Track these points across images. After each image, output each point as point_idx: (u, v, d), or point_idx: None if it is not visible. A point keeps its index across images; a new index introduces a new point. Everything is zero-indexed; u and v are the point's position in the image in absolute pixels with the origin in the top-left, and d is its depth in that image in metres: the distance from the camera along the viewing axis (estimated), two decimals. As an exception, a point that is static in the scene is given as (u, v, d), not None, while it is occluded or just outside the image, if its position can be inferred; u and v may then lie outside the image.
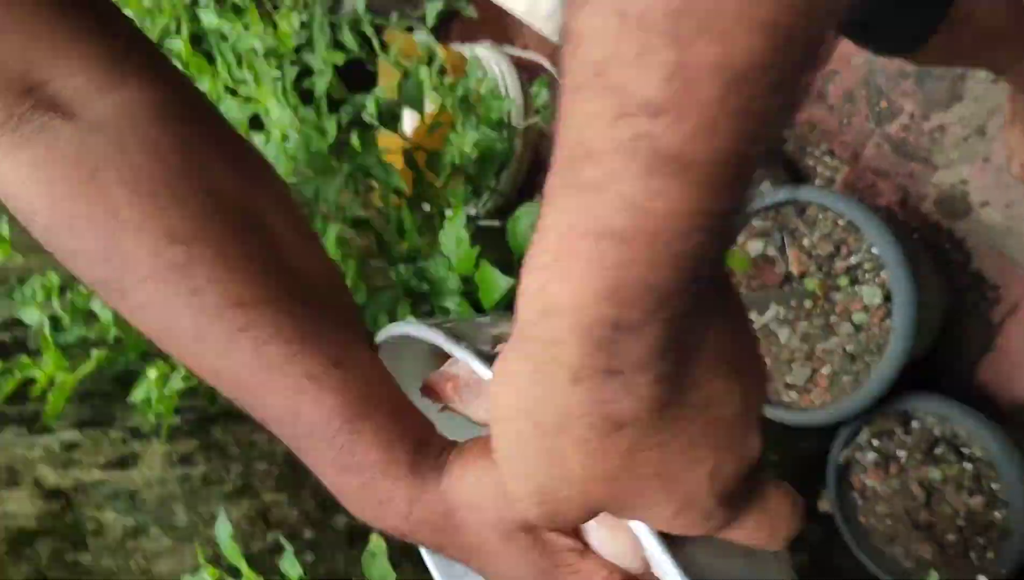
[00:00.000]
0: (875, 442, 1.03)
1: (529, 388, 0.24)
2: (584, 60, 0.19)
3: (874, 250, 0.96)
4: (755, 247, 1.06)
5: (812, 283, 1.00)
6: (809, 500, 1.20)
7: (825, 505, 1.21)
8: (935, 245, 1.11)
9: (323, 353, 0.33)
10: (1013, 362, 1.06)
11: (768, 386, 0.28)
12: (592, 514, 0.27)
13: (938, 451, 0.98)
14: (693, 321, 0.23)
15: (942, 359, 1.11)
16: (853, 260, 0.98)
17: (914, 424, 1.00)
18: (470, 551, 0.31)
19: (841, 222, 1.00)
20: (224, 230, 0.33)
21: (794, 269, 1.03)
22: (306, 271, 0.35)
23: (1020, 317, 1.05)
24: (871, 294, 0.95)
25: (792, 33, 0.17)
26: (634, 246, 0.20)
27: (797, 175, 1.23)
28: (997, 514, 0.95)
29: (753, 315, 1.08)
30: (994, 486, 0.95)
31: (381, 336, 0.36)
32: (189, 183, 0.34)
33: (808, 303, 1.02)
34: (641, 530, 0.28)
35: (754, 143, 0.19)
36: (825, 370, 1.01)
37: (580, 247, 0.20)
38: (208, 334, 0.32)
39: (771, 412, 1.02)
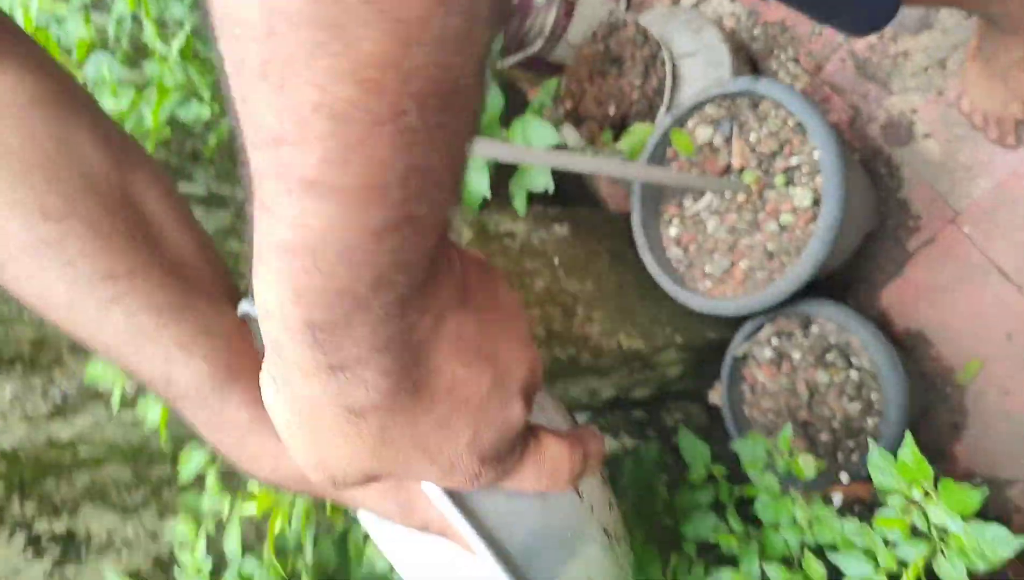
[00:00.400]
0: (774, 340, 1.08)
1: (280, 385, 0.27)
2: (233, 95, 0.21)
3: (815, 155, 0.98)
4: (703, 134, 1.06)
5: (750, 177, 1.02)
6: (703, 388, 1.26)
7: (716, 397, 1.27)
8: (872, 168, 1.14)
9: (192, 322, 0.35)
10: (917, 291, 1.11)
11: (533, 364, 0.31)
12: (371, 479, 0.30)
13: (829, 357, 1.03)
14: (411, 318, 0.25)
15: (853, 277, 1.15)
16: (793, 161, 0.99)
17: (813, 329, 1.05)
18: (338, 496, 0.35)
19: (791, 122, 1.00)
20: (96, 207, 0.35)
21: (736, 162, 1.04)
22: (177, 245, 0.38)
23: (933, 250, 1.10)
24: (802, 196, 0.98)
25: (384, 84, 0.19)
26: (307, 258, 0.22)
27: (758, 75, 1.23)
28: (870, 421, 1.01)
29: (687, 202, 1.10)
30: (873, 396, 1.01)
31: (240, 310, 0.39)
32: (62, 164, 0.35)
33: (741, 197, 1.03)
34: (426, 484, 0.31)
35: (391, 170, 0.21)
36: (743, 264, 1.04)
37: (270, 258, 0.23)
38: (82, 304, 0.35)
39: (684, 297, 1.05)
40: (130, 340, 0.35)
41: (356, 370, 0.25)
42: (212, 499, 0.63)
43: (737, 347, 1.10)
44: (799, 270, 0.96)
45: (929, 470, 0.44)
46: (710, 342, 1.16)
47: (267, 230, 0.22)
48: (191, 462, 0.66)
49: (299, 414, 0.27)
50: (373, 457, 0.28)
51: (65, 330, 0.36)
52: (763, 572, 0.53)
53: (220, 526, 0.74)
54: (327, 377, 0.25)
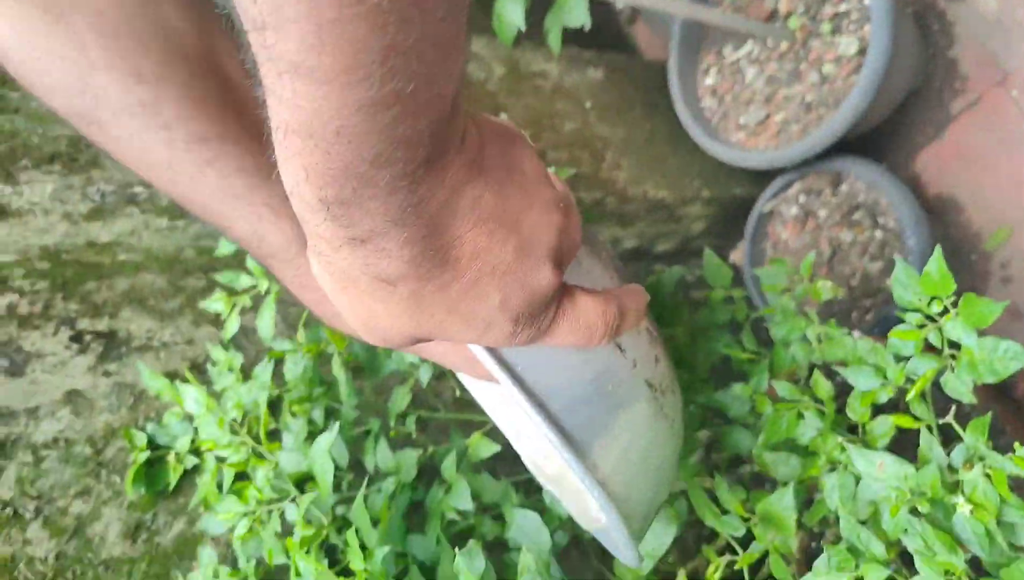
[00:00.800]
0: (802, 198, 1.07)
1: (317, 255, 0.29)
2: None
3: (865, 1, 0.94)
4: (751, -24, 1.01)
5: (795, 23, 0.98)
6: (725, 247, 1.26)
7: (736, 256, 1.28)
8: (924, 23, 1.09)
9: (280, 186, 0.39)
10: (956, 155, 1.09)
11: (562, 229, 0.32)
12: (415, 340, 0.32)
13: (856, 216, 1.03)
14: (421, 192, 0.26)
15: (889, 137, 1.13)
16: (843, 7, 0.95)
17: (843, 187, 1.04)
18: (417, 350, 0.37)
19: (844, -34, 0.96)
20: (185, 73, 0.37)
21: (782, 7, 1.00)
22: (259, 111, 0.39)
23: (976, 113, 1.07)
24: (848, 45, 0.94)
25: None
26: (308, 137, 0.23)
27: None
28: (888, 282, 1.02)
29: (727, 50, 1.07)
30: (896, 257, 1.01)
31: None
32: (151, 31, 0.36)
33: (784, 45, 1.00)
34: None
35: (367, 50, 0.21)
36: (779, 116, 1.02)
37: (280, 139, 0.24)
38: (179, 166, 0.37)
39: (715, 149, 1.04)
40: (224, 200, 0.37)
41: (377, 242, 0.26)
42: (249, 278, 0.65)
43: (764, 203, 1.10)
44: (836, 122, 0.94)
45: (952, 284, 0.45)
46: (737, 198, 1.15)
47: (272, 112, 0.24)
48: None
49: (338, 282, 0.29)
50: (411, 321, 0.30)
51: (162, 189, 0.39)
52: (771, 387, 0.56)
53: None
54: (352, 249, 0.27)
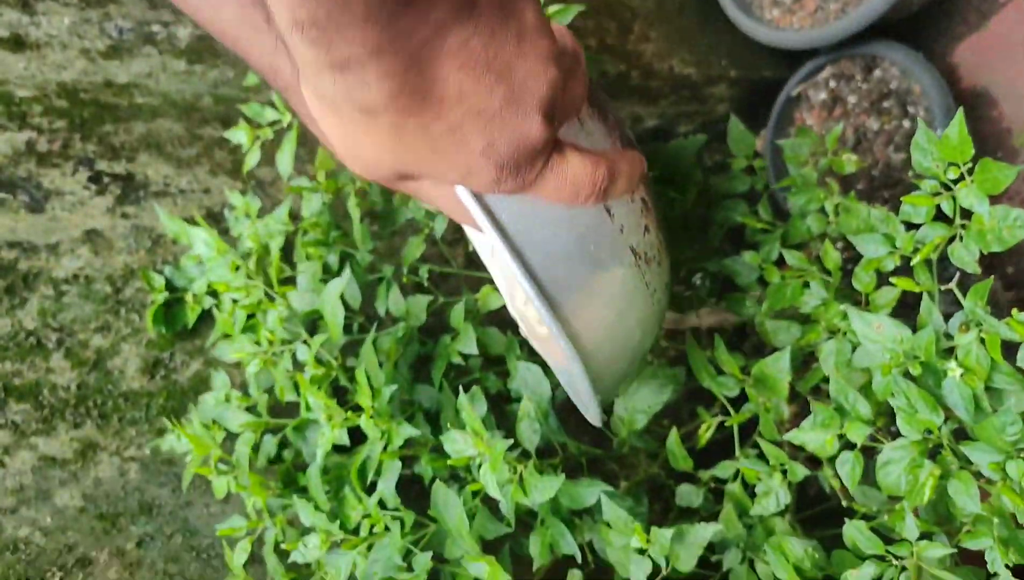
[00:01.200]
0: (832, 83, 1.04)
1: (304, 81, 0.29)
2: None
3: None
4: None
5: None
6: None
7: (759, 144, 1.26)
8: (982, -99, 1.03)
9: None
10: (997, 47, 1.05)
11: (555, 82, 0.31)
12: (399, 174, 0.32)
13: (886, 104, 1.00)
14: (402, 25, 0.26)
15: (931, 24, 1.09)
16: None
17: (876, 73, 1.01)
18: (407, 189, 0.38)
19: None
20: None
21: None
22: None
23: (1022, 3, 1.02)
24: (897, -81, 0.89)
25: None
26: None
27: None
28: (910, 173, 1.00)
29: (770, -80, 1.01)
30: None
31: None
32: None
33: (830, -83, 0.95)
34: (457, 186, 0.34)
35: None
36: (817, -6, 0.98)
37: None
38: None
39: (749, 26, 1.01)
40: (242, 29, 0.37)
41: (356, 71, 0.26)
42: (273, 112, 0.65)
43: (793, 86, 1.07)
44: (877, 3, 0.90)
45: (971, 150, 0.44)
46: (764, 81, 1.12)
47: None
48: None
49: (324, 109, 0.29)
50: (392, 154, 0.30)
51: (188, 12, 0.39)
52: (782, 257, 0.56)
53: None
54: (332, 76, 0.27)
